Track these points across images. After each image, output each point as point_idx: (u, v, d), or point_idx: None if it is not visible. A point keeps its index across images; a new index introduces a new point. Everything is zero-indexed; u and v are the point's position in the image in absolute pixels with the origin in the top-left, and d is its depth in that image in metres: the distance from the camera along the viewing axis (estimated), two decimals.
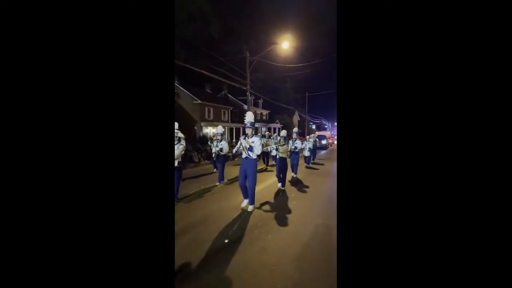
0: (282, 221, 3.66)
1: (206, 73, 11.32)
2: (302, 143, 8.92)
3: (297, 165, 7.18)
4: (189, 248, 2.74)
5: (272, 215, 3.92)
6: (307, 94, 30.39)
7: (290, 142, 6.99)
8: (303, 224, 3.52)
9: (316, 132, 21.76)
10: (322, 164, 10.55)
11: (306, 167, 9.45)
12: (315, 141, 11.97)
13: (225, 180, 6.19)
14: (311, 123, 41.10)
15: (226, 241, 2.95)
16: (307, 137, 11.17)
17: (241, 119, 22.90)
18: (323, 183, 6.56)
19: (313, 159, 11.09)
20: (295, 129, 7.85)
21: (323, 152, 16.79)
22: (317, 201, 4.75)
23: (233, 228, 3.33)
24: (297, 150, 6.97)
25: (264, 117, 30.07)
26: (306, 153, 9.73)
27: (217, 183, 5.94)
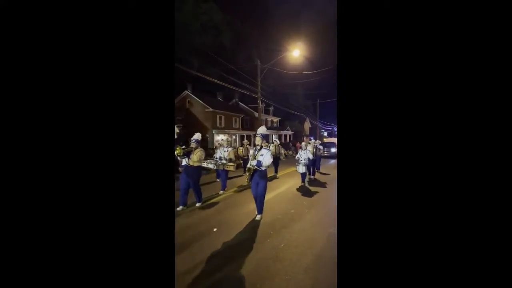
0: (294, 229, 3.63)
1: (217, 81, 11.51)
2: (295, 154, 6.93)
3: (262, 195, 3.92)
4: (199, 257, 2.76)
5: (284, 223, 3.89)
6: (318, 101, 30.30)
7: (250, 152, 4.12)
8: (316, 233, 3.48)
9: (324, 139, 20.77)
10: (324, 185, 6.92)
11: (300, 188, 6.45)
12: (317, 149, 8.90)
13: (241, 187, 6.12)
14: (323, 130, 40.75)
15: (239, 238, 2.95)
16: (302, 144, 7.35)
17: (252, 127, 23.02)
18: (334, 191, 6.41)
19: (313, 174, 8.13)
20: (260, 130, 4.07)
21: (332, 161, 14.02)
22: (329, 210, 4.67)
23: (245, 237, 3.33)
24: (262, 168, 3.78)
25: (275, 124, 30.10)
26: (301, 168, 6.67)
27: (220, 192, 5.94)
